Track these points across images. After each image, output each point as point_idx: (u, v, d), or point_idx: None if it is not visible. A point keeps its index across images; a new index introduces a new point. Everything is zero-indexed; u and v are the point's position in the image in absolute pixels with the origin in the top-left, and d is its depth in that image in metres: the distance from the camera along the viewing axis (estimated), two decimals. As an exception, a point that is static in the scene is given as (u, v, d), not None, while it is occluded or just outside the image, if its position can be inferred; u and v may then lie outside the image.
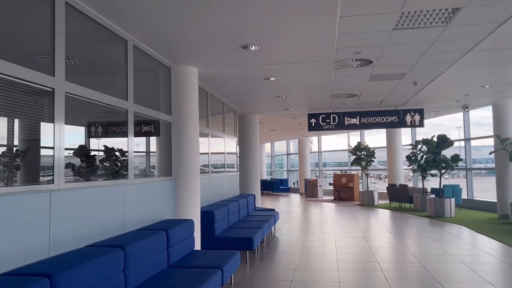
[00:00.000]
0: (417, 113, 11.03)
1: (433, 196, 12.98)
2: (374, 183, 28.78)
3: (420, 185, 15.55)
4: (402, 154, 16.82)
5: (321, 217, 12.44)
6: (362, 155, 15.93)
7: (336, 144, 33.75)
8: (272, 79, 7.45)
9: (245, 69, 6.66)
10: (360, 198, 15.77)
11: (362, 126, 11.27)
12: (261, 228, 7.37)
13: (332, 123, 11.38)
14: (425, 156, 13.11)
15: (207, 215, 6.47)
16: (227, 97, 9.34)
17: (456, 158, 11.28)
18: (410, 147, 14.62)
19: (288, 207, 15.74)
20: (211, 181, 8.04)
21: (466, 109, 11.61)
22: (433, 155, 11.66)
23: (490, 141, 11.86)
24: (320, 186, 20.12)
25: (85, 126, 4.35)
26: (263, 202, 18.04)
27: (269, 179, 24.73)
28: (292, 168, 25.65)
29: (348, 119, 11.31)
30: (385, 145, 17.59)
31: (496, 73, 7.74)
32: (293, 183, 25.18)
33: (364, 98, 9.92)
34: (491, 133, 11.45)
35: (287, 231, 9.77)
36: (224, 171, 9.24)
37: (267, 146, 28.12)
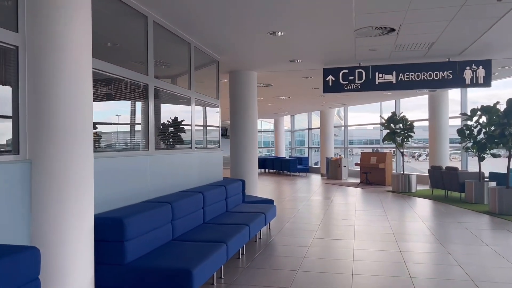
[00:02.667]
0: (481, 66, 7.64)
1: (493, 184, 9.63)
2: (407, 161, 25.09)
3: (472, 168, 12.15)
4: (449, 129, 13.35)
5: (340, 210, 9.38)
6: (397, 129, 12.60)
7: (366, 119, 29.91)
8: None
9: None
10: (393, 183, 12.54)
11: (400, 86, 8.00)
12: (229, 239, 4.45)
13: (357, 81, 8.16)
14: (484, 130, 9.73)
15: (111, 225, 3.58)
16: (201, 35, 6.34)
17: (537, 131, 7.87)
18: (461, 119, 11.23)
19: (302, 192, 12.72)
20: (157, 163, 5.12)
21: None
22: (500, 127, 8.27)
23: None
24: (344, 166, 16.95)
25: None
26: (274, 184, 15.09)
27: (287, 158, 21.71)
28: (313, 145, 22.47)
29: (380, 75, 8.06)
30: (422, 117, 14.15)
31: None
32: (315, 163, 22.06)
33: (406, 39, 6.64)
34: None
35: (288, 232, 6.82)
36: (191, 147, 6.28)
37: (286, 120, 24.98)
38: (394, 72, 7.98)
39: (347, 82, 8.20)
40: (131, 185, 4.43)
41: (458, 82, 7.75)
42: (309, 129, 22.28)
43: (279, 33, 6.12)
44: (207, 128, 7.37)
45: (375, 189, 13.21)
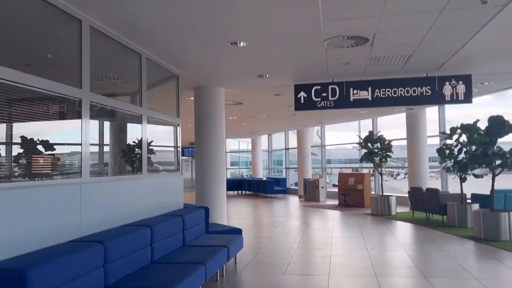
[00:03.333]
0: (461, 82, 7.15)
1: (476, 207, 9.10)
2: (386, 180, 24.72)
3: (453, 189, 11.66)
4: (427, 148, 12.91)
5: (316, 238, 8.66)
6: (375, 149, 12.07)
7: (345, 138, 29.98)
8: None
9: None
10: (373, 205, 11.92)
11: (376, 103, 7.44)
12: (176, 285, 3.64)
13: (330, 98, 7.56)
14: (464, 149, 9.25)
15: (8, 279, 2.76)
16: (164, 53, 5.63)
17: (521, 151, 7.38)
18: (440, 138, 10.83)
19: (277, 216, 11.96)
20: (94, 192, 4.30)
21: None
22: (482, 146, 7.76)
23: None
24: (322, 187, 16.31)
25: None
26: (249, 208, 14.22)
27: (263, 179, 21.00)
28: (291, 165, 21.83)
29: (355, 91, 7.49)
30: (400, 136, 13.70)
31: None
32: (293, 184, 21.38)
33: (381, 51, 6.09)
34: None
35: (256, 266, 6.03)
36: (141, 172, 5.48)
37: (265, 139, 24.35)
38: (370, 88, 7.43)
39: (319, 99, 7.60)
40: (55, 221, 3.61)
41: (438, 98, 7.23)
42: (287, 149, 21.68)
43: (241, 43, 5.47)
44: (165, 149, 6.61)
45: (354, 212, 12.56)
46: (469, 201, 9.72)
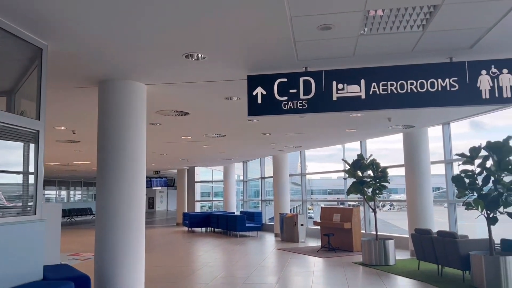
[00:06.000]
0: (505, 70, 4.56)
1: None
2: (370, 212, 22.00)
3: (463, 229, 8.90)
4: (431, 178, 10.26)
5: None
6: (366, 177, 9.36)
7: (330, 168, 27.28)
8: None
9: None
10: (364, 252, 9.10)
11: (373, 103, 4.77)
12: None
13: (303, 96, 4.88)
14: (492, 178, 6.63)
15: None
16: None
17: None
18: (458, 162, 8.30)
19: (239, 268, 9.03)
20: None
21: None
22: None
23: None
24: (302, 225, 13.44)
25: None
26: (206, 254, 10.82)
27: (234, 214, 18.09)
28: (267, 196, 18.96)
29: (340, 86, 4.83)
30: (394, 162, 11.07)
31: None
32: (270, 219, 18.47)
33: (383, 1, 3.47)
34: None
35: None
36: None
37: (238, 168, 21.53)
38: (363, 81, 4.77)
39: (286, 98, 4.91)
40: None
41: (469, 96, 4.60)
42: (262, 178, 18.87)
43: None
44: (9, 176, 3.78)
45: (340, 259, 9.70)
46: (498, 246, 7.01)
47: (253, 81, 5.01)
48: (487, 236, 6.76)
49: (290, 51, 4.53)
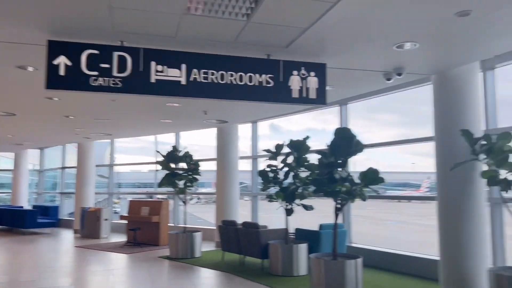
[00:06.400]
0: (313, 73, 4.96)
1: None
2: (180, 205, 22.31)
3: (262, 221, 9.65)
4: (238, 170, 10.80)
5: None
6: (178, 169, 9.19)
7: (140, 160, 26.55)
8: None
9: None
10: (172, 245, 8.90)
11: (193, 90, 4.55)
12: None
13: (116, 73, 4.32)
14: (292, 173, 7.28)
15: None
16: None
17: (374, 176, 5.56)
18: (264, 158, 8.85)
19: (19, 272, 7.67)
20: None
21: (389, 80, 6.05)
22: (327, 169, 5.72)
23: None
24: (106, 219, 12.43)
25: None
26: None
27: (24, 208, 15.63)
28: (68, 189, 17.01)
29: (160, 68, 4.46)
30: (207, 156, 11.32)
31: None
32: (70, 214, 16.58)
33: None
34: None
35: None
36: None
37: (34, 156, 18.71)
38: (184, 66, 4.52)
39: (96, 73, 4.26)
40: None
41: (281, 94, 4.84)
42: (63, 168, 16.84)
43: None
44: None
45: (146, 254, 9.27)
46: (292, 235, 7.75)
47: (55, 48, 4.18)
48: (284, 226, 7.39)
49: (104, 17, 3.92)
